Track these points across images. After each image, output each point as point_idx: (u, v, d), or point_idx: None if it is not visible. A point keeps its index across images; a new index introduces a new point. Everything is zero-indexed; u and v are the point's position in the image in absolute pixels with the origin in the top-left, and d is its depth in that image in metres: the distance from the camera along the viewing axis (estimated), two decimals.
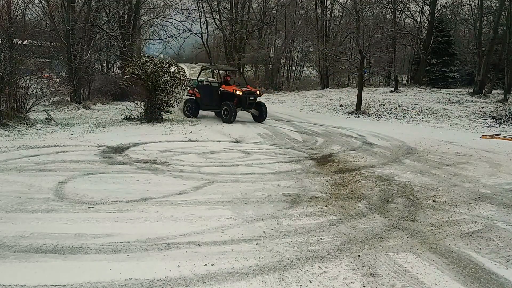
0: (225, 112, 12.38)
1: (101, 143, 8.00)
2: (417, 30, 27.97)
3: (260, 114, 12.94)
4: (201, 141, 8.77)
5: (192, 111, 13.24)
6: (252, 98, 12.67)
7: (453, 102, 17.76)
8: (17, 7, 12.65)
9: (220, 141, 8.87)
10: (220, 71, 16.68)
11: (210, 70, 15.10)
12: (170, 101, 11.92)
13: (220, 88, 12.71)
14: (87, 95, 16.87)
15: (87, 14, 16.31)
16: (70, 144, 7.83)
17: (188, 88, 13.05)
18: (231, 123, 12.09)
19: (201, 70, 14.65)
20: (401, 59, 29.38)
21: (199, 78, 13.58)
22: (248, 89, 12.72)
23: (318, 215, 4.25)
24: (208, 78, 14.36)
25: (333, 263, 3.14)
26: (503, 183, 5.98)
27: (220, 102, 12.62)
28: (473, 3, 27.22)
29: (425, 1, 26.21)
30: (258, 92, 12.98)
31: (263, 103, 13.15)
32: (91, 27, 16.95)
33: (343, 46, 30.91)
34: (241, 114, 13.18)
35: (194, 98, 13.31)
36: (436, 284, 2.89)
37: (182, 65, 16.89)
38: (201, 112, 13.65)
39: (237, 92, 12.36)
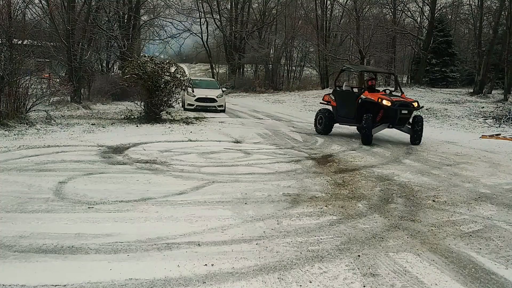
0: (362, 129, 9.33)
1: (101, 143, 7.99)
2: (417, 30, 27.97)
3: (414, 134, 9.36)
4: (201, 141, 8.77)
5: (323, 125, 10.30)
6: (406, 112, 9.24)
7: (453, 102, 17.76)
8: (17, 7, 12.69)
9: (220, 141, 8.87)
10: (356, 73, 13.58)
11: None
12: (170, 101, 11.92)
13: (362, 96, 9.64)
14: (87, 95, 16.88)
15: (87, 14, 16.32)
16: (70, 144, 7.83)
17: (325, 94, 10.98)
18: (368, 144, 9.06)
19: (341, 71, 11.93)
20: (401, 59, 29.41)
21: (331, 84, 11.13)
22: (402, 99, 9.42)
23: (318, 215, 4.25)
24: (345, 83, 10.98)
25: (333, 263, 3.13)
26: (503, 183, 5.98)
27: (358, 114, 9.54)
28: (473, 3, 27.22)
29: (425, 1, 26.20)
30: (415, 104, 9.50)
31: (421, 119, 9.55)
32: (91, 27, 16.95)
33: (343, 46, 30.94)
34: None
35: (329, 107, 10.61)
36: (436, 284, 2.89)
37: (182, 65, 16.75)
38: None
39: (384, 102, 9.11)
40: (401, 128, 9.56)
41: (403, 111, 9.19)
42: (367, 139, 9.07)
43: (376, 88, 10.28)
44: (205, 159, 6.99)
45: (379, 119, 9.31)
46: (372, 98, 9.34)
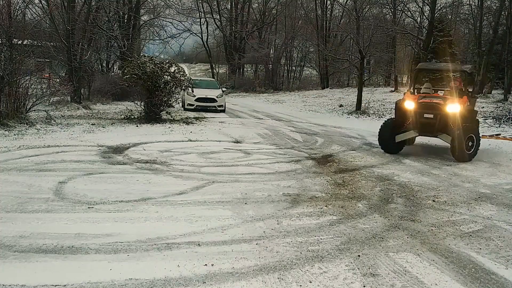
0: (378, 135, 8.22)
1: (101, 143, 7.99)
2: (417, 30, 27.93)
3: (452, 147, 7.43)
4: (201, 141, 8.77)
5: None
6: (431, 116, 7.50)
7: None
8: (17, 7, 12.66)
9: (220, 141, 8.87)
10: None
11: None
12: (170, 101, 11.91)
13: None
14: (87, 95, 16.88)
15: (87, 14, 16.32)
16: (70, 144, 7.83)
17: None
18: (389, 152, 7.90)
19: (418, 72, 9.24)
20: (401, 59, 29.37)
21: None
22: (432, 101, 7.64)
23: (318, 215, 4.25)
24: None
25: (333, 263, 3.13)
26: (503, 183, 5.98)
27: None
28: (473, 3, 27.21)
29: (425, 1, 26.18)
30: (448, 110, 7.36)
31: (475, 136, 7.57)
32: (91, 27, 16.95)
33: (343, 46, 30.92)
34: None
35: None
36: (436, 284, 2.89)
37: (182, 65, 16.75)
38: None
39: (404, 104, 7.76)
40: (434, 136, 7.82)
41: (426, 115, 7.47)
42: (382, 146, 8.01)
43: (468, 90, 8.49)
44: (205, 159, 6.99)
45: (407, 124, 7.78)
46: (400, 100, 8.03)
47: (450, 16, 29.99)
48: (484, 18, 24.22)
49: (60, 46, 15.28)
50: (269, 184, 5.43)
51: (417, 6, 27.57)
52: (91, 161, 6.39)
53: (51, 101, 13.06)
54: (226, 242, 3.48)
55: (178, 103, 13.77)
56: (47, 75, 15.02)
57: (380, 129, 8.21)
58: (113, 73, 21.23)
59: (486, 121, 13.69)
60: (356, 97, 17.06)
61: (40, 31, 15.28)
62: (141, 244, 3.36)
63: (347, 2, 27.95)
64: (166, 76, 11.54)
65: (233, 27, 34.45)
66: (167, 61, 12.49)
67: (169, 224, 3.83)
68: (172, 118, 12.12)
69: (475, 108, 8.91)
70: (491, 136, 10.94)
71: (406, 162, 7.36)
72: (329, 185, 5.49)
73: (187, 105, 15.70)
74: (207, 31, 35.11)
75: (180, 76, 11.92)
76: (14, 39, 10.83)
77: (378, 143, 8.32)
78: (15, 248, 3.22)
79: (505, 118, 13.44)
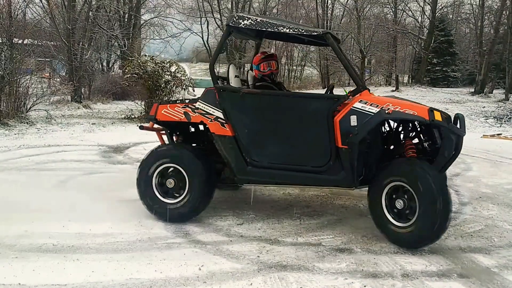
0: None
1: (101, 142, 7.99)
2: (418, 30, 27.93)
3: None
4: None
5: None
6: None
7: (454, 102, 17.74)
8: (18, 6, 12.69)
9: None
10: None
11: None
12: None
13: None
14: (87, 95, 16.90)
15: (87, 13, 16.33)
16: (71, 143, 7.83)
17: None
18: None
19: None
20: (402, 59, 29.38)
21: None
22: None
23: (318, 215, 4.24)
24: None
25: (333, 263, 3.13)
26: (504, 183, 5.96)
27: None
28: (474, 3, 27.18)
29: (426, 1, 26.18)
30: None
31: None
32: (92, 27, 16.97)
33: (344, 45, 30.90)
34: None
35: None
36: (436, 284, 2.88)
37: (183, 64, 16.77)
38: None
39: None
40: None
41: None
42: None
43: None
44: None
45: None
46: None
47: (451, 16, 29.97)
48: (485, 17, 24.20)
49: (61, 45, 15.30)
50: None
51: (418, 6, 27.58)
52: (91, 161, 6.39)
53: (51, 100, 13.08)
54: (226, 242, 3.47)
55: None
56: (48, 74, 15.04)
57: None
58: (113, 73, 21.25)
59: (487, 120, 13.68)
60: None
61: (41, 30, 15.33)
62: (141, 244, 3.36)
63: (348, 1, 27.97)
64: (167, 76, 11.55)
65: None
66: (168, 60, 12.51)
67: (169, 224, 3.82)
68: None
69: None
70: (492, 135, 10.93)
71: None
72: None
73: None
74: (208, 31, 35.16)
75: (181, 76, 11.93)
76: (15, 39, 10.86)
77: None
78: (15, 247, 3.22)
79: (506, 117, 13.43)
